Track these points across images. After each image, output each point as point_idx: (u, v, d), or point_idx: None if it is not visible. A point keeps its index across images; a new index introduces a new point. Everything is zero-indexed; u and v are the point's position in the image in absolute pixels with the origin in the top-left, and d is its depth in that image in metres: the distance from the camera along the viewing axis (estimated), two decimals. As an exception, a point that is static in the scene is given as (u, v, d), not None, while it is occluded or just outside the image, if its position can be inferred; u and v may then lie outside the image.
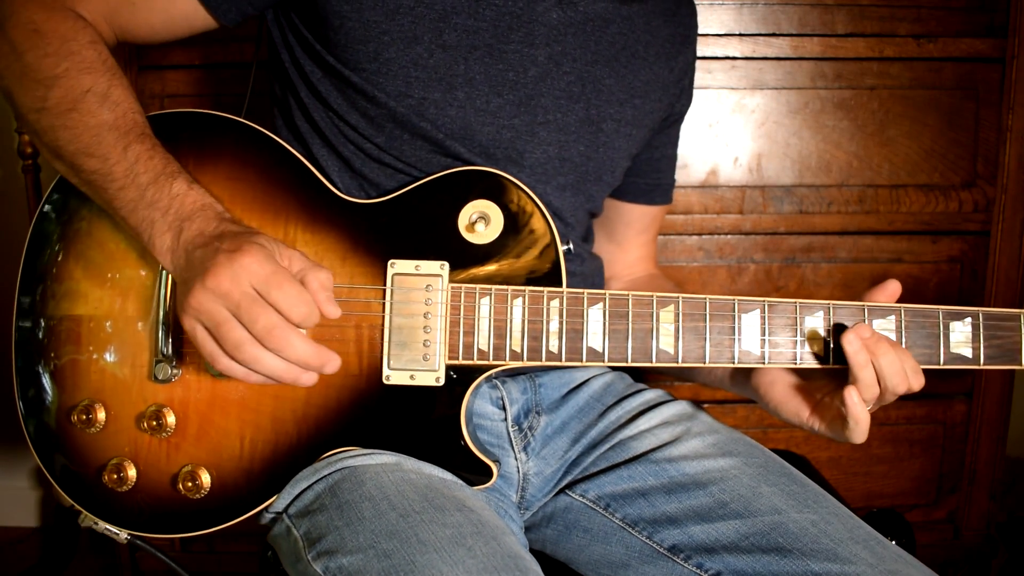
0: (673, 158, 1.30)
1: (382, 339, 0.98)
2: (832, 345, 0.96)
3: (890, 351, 0.91)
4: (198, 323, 0.87)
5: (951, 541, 1.91)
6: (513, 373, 1.14)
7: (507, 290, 0.97)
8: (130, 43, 1.07)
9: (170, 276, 0.98)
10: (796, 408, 1.01)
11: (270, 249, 0.88)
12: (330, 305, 0.89)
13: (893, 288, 0.98)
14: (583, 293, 0.97)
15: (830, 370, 0.97)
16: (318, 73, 1.05)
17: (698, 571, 0.98)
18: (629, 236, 1.32)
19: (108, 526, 1.01)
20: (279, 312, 0.85)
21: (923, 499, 1.89)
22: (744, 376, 1.07)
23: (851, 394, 0.91)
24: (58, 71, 0.94)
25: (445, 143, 1.03)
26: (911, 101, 1.73)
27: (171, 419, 0.99)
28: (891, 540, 0.97)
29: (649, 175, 1.27)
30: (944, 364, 0.96)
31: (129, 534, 1.02)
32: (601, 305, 0.97)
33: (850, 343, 0.91)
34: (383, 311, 0.98)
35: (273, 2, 1.06)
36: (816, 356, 0.96)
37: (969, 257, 1.78)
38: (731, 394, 1.78)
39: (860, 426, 0.92)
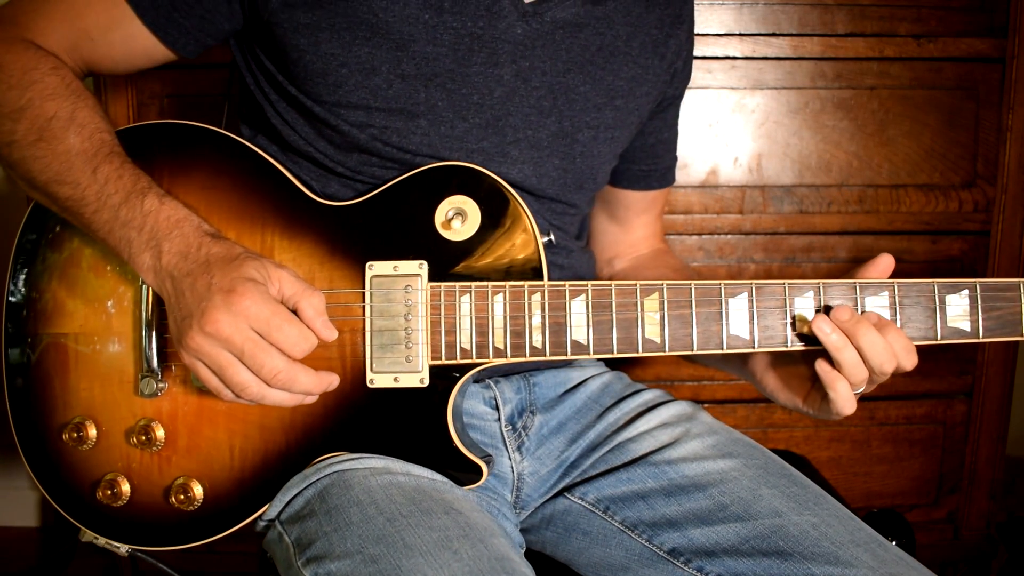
0: (670, 141, 1.27)
1: (364, 343, 0.97)
2: None
3: (870, 331, 0.90)
4: (199, 361, 0.88)
5: (951, 541, 1.91)
6: (507, 373, 1.14)
7: (487, 286, 0.96)
8: (95, 75, 1.07)
9: (151, 289, 0.98)
10: (790, 395, 1.01)
11: (262, 279, 0.88)
12: (327, 330, 0.92)
13: (886, 263, 0.96)
14: (565, 286, 0.96)
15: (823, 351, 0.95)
16: (283, 103, 1.04)
17: (698, 574, 0.97)
18: (630, 217, 1.30)
19: (109, 541, 1.02)
20: (281, 349, 0.87)
21: (923, 499, 1.89)
22: (739, 360, 1.07)
23: (820, 363, 0.92)
24: (22, 102, 0.94)
25: (415, 162, 1.01)
26: (911, 101, 1.73)
27: (160, 433, 0.99)
28: (891, 540, 0.97)
29: (644, 161, 1.24)
30: (942, 339, 0.94)
31: (130, 549, 1.02)
32: (583, 297, 0.95)
33: (819, 328, 0.91)
34: (363, 314, 0.97)
35: (231, 32, 1.05)
36: (805, 338, 0.94)
37: (969, 257, 1.78)
38: (731, 394, 1.79)
39: (839, 394, 0.91)
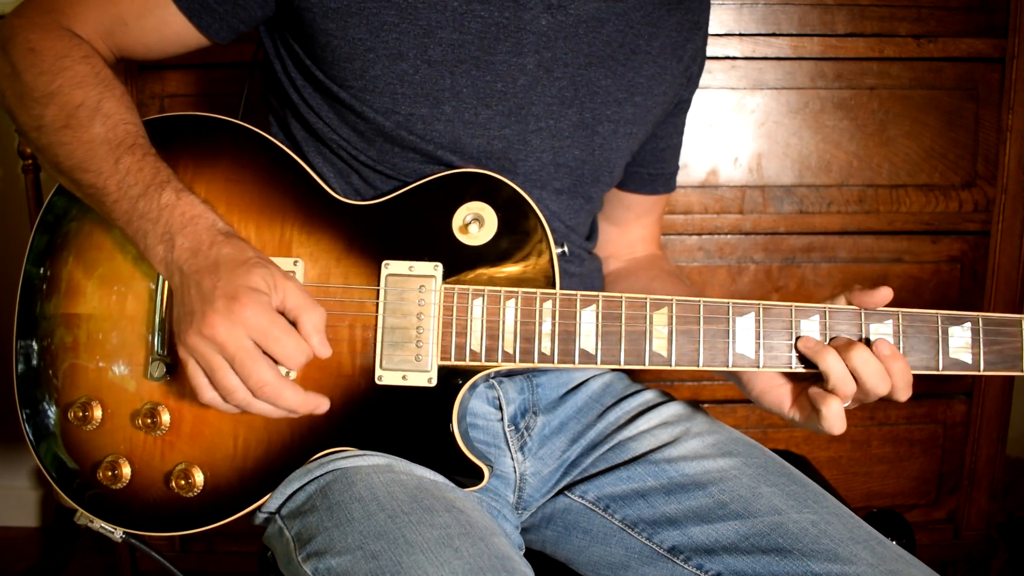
0: (677, 147, 1.28)
1: (375, 339, 0.98)
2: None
3: (862, 351, 0.91)
4: (191, 359, 0.89)
5: (951, 541, 1.91)
6: (510, 373, 1.14)
7: (500, 291, 0.97)
8: (128, 59, 1.08)
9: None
10: (778, 400, 1.00)
11: (267, 288, 0.88)
12: (323, 348, 0.92)
13: (883, 295, 0.95)
14: (576, 295, 0.96)
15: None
16: (308, 88, 1.06)
17: (698, 572, 0.97)
18: (629, 219, 1.30)
19: (103, 524, 1.02)
20: (276, 361, 0.88)
21: (923, 499, 1.89)
22: None
23: (812, 388, 0.94)
24: (52, 88, 0.96)
25: (436, 154, 1.03)
26: (911, 101, 1.73)
27: (166, 417, 1.00)
28: (891, 540, 0.97)
29: (652, 165, 1.25)
30: (943, 370, 0.95)
31: (124, 532, 1.02)
32: (594, 307, 0.96)
33: (804, 345, 0.94)
34: (376, 311, 0.98)
35: (263, 19, 1.07)
36: (805, 361, 0.95)
37: (969, 257, 1.78)
38: (731, 394, 1.79)
39: (830, 411, 0.92)
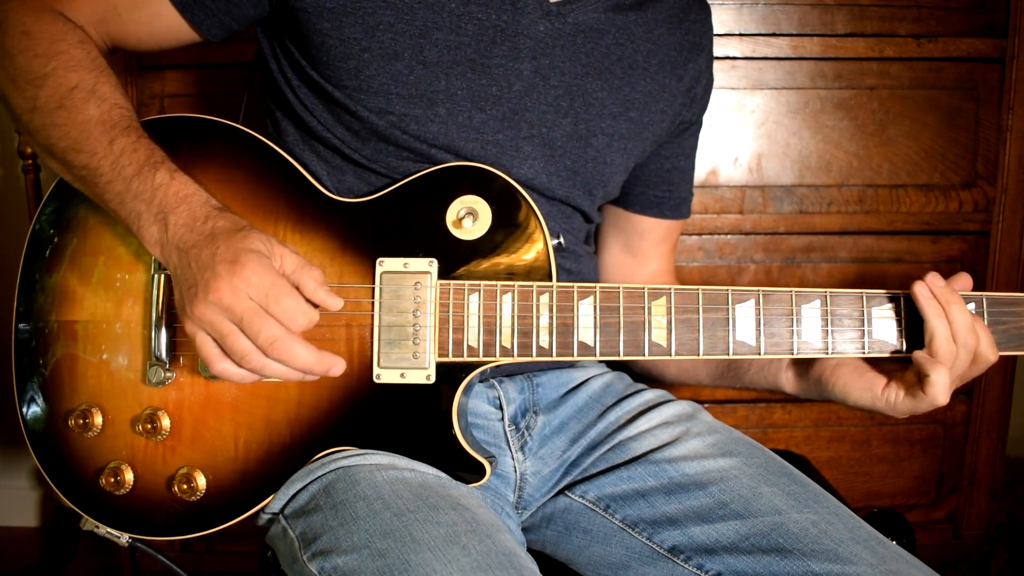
0: (686, 170, 1.27)
1: (372, 338, 0.97)
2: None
3: (960, 303, 0.91)
4: (200, 330, 0.88)
5: (951, 541, 1.91)
6: (510, 373, 1.14)
7: (496, 286, 0.96)
8: (120, 50, 1.08)
9: (162, 279, 0.99)
10: (868, 384, 0.99)
11: (266, 252, 0.89)
12: (331, 298, 0.92)
13: (963, 282, 0.95)
14: (573, 287, 0.96)
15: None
16: (303, 88, 1.06)
17: (698, 572, 0.98)
18: (644, 247, 1.29)
19: (109, 530, 1.02)
20: (280, 324, 0.87)
21: (923, 499, 1.89)
22: (803, 369, 1.06)
23: (917, 352, 0.92)
24: (46, 70, 0.96)
25: (430, 153, 1.03)
26: (911, 101, 1.73)
27: (166, 422, 1.00)
28: (891, 540, 0.97)
29: (659, 187, 1.24)
30: None
31: (130, 537, 1.02)
32: (591, 299, 0.96)
33: (921, 292, 0.91)
34: (372, 310, 0.98)
35: (256, 18, 1.07)
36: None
37: (969, 257, 1.78)
38: (731, 394, 1.79)
39: (939, 377, 0.90)
